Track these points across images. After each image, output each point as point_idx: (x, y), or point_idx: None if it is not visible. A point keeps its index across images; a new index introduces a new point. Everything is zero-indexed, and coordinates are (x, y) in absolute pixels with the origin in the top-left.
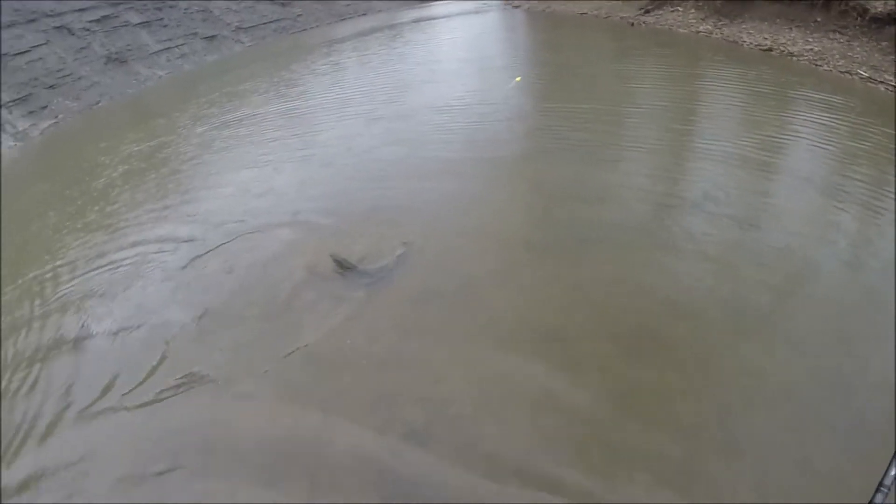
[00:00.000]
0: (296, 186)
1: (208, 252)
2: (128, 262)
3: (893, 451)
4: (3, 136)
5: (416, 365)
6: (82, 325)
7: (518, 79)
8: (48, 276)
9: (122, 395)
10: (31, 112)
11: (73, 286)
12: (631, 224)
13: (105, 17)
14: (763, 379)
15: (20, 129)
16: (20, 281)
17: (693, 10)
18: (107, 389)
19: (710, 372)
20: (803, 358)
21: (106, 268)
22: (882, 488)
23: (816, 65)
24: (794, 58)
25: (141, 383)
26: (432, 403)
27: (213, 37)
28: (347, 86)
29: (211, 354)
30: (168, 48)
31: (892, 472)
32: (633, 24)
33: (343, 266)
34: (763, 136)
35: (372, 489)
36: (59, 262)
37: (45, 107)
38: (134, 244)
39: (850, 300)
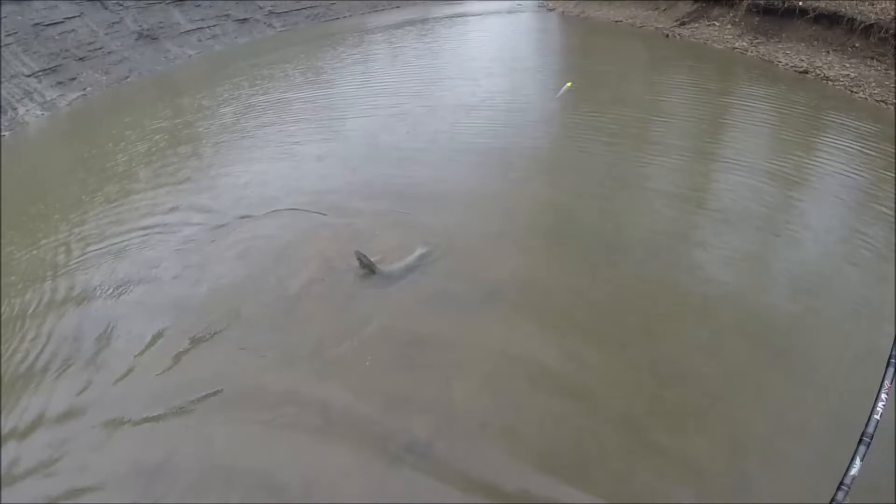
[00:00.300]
0: (317, 174)
1: (217, 234)
2: (142, 235)
3: (854, 449)
4: (31, 105)
5: (426, 372)
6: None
7: (569, 84)
8: (63, 243)
9: None
10: (59, 83)
11: (83, 258)
12: (657, 233)
13: None
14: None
15: (48, 98)
16: (39, 245)
17: (730, 26)
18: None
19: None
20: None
21: (120, 239)
22: (843, 486)
23: (852, 91)
24: (830, 82)
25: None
26: (439, 417)
27: (245, 20)
28: (376, 77)
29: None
30: (200, 28)
31: (853, 472)
32: (667, 36)
33: (365, 264)
34: (791, 158)
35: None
36: (76, 231)
37: (73, 78)
38: (152, 217)
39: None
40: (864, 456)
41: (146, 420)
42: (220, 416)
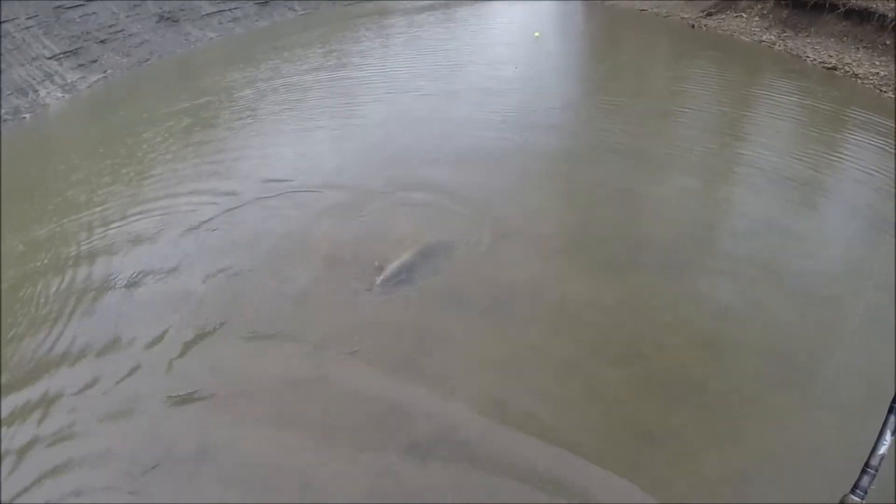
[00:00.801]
0: (334, 159)
1: (234, 214)
2: (160, 215)
3: (879, 431)
4: (53, 87)
5: (425, 382)
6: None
7: (536, 34)
8: (85, 220)
9: None
10: (80, 65)
11: (102, 236)
12: (674, 236)
13: None
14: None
15: (69, 81)
16: (63, 222)
17: (757, 18)
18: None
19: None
20: None
21: (138, 218)
22: (869, 469)
23: (881, 90)
24: (859, 80)
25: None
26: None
27: (266, 2)
28: (396, 61)
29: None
30: (221, 11)
31: (880, 451)
32: (693, 27)
33: (382, 272)
34: (817, 158)
35: None
36: (97, 209)
37: (94, 61)
38: (170, 196)
39: None
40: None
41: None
42: (219, 411)
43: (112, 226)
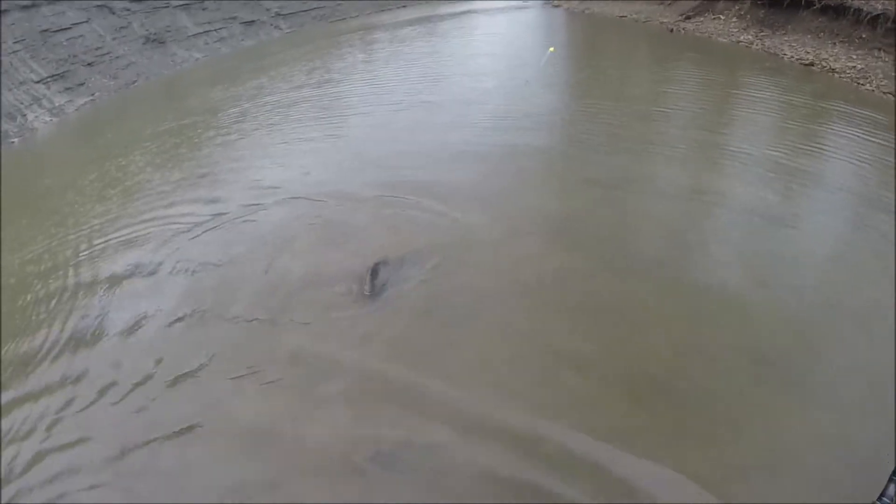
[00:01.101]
0: (317, 171)
1: (212, 226)
2: (148, 227)
3: (894, 467)
4: (41, 111)
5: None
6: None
7: (552, 49)
8: (82, 235)
9: None
10: (68, 88)
11: (94, 250)
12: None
13: None
14: None
15: (57, 104)
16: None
17: (735, 19)
18: None
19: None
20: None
21: (129, 231)
22: (885, 499)
23: (858, 83)
24: (836, 74)
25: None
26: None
27: (251, 22)
28: (379, 76)
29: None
30: (206, 31)
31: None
32: (672, 31)
33: (373, 279)
34: (797, 148)
35: None
36: (95, 222)
37: (82, 84)
38: (160, 210)
39: None
40: None
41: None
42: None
43: (101, 241)
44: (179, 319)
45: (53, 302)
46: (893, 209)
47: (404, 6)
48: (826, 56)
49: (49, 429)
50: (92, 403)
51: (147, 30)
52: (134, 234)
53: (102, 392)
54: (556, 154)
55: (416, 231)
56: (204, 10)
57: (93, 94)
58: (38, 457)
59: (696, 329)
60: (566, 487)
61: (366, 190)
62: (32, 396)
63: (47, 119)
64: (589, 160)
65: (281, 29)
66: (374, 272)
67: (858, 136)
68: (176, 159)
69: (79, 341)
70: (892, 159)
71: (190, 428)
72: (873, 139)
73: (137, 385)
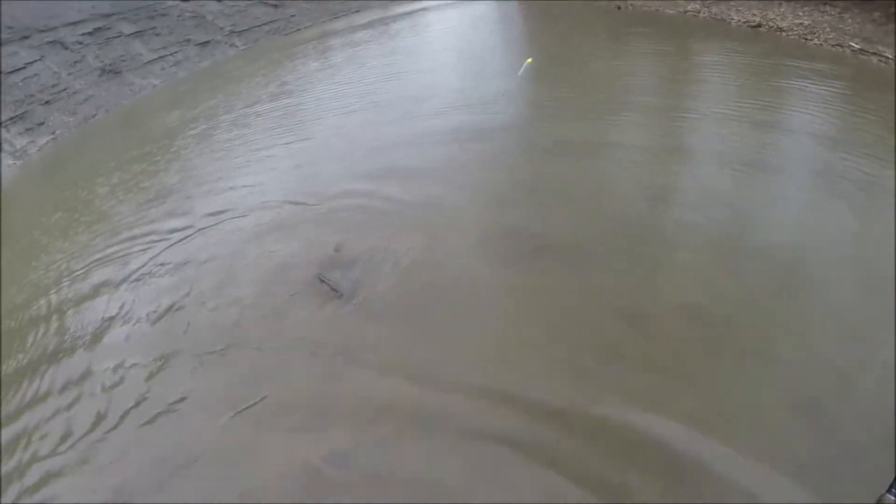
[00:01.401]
0: (276, 182)
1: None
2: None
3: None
4: (3, 155)
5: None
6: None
7: (529, 61)
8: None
9: None
10: (28, 129)
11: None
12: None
13: (98, 30)
14: None
15: (18, 147)
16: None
17: None
18: None
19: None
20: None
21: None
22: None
23: (806, 39)
24: (784, 33)
25: None
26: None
27: (206, 42)
28: (334, 82)
29: None
30: (162, 56)
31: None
32: (619, 7)
33: (328, 285)
34: (746, 102)
35: None
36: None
37: (42, 123)
38: (140, 235)
39: None
40: None
41: None
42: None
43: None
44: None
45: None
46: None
47: (357, 11)
48: (773, 16)
49: None
50: None
51: (102, 61)
52: (100, 260)
53: None
54: (516, 131)
55: (373, 226)
56: (157, 35)
57: (53, 133)
58: None
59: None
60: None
61: (321, 193)
62: None
63: (10, 163)
64: (548, 133)
65: (236, 46)
66: (324, 277)
67: (808, 87)
68: (136, 188)
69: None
70: (841, 104)
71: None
72: (822, 88)
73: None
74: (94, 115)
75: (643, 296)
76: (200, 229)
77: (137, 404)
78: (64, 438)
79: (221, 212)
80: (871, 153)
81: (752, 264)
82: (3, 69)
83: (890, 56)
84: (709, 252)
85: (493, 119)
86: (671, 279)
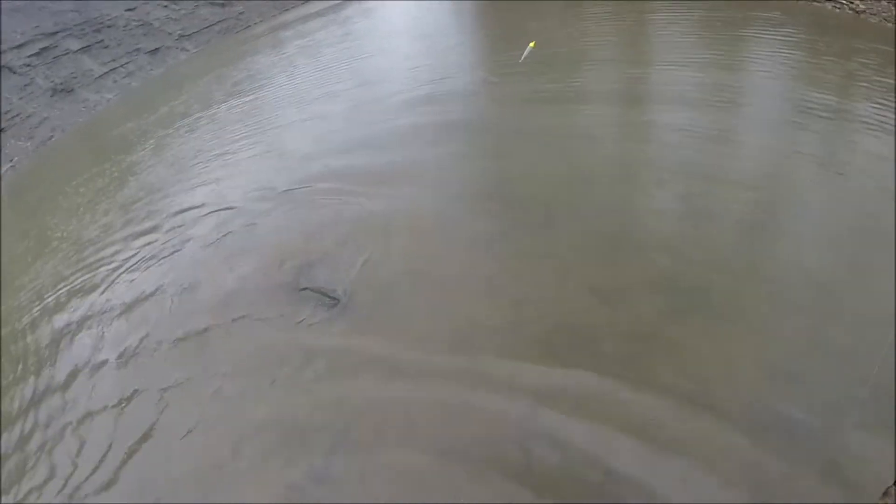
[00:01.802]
0: (230, 181)
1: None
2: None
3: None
4: None
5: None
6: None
7: (532, 44)
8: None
9: None
10: None
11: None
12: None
13: (44, 49)
14: None
15: None
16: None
17: None
18: None
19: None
20: None
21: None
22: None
23: None
24: None
25: None
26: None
27: (156, 49)
28: (288, 75)
29: None
30: (113, 69)
31: None
32: None
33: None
34: (700, 55)
35: None
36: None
37: None
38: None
39: None
40: None
41: None
42: None
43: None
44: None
45: None
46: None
47: (306, 1)
48: None
49: None
50: None
51: (52, 81)
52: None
53: None
54: (475, 107)
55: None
56: (106, 48)
57: (11, 161)
58: None
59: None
60: None
61: (280, 188)
62: None
63: None
64: (507, 111)
65: (187, 50)
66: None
67: (761, 36)
68: (97, 207)
69: None
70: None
71: None
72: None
73: None
74: (50, 137)
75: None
76: (162, 246)
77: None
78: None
79: (181, 225)
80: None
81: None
82: None
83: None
84: None
85: (446, 94)
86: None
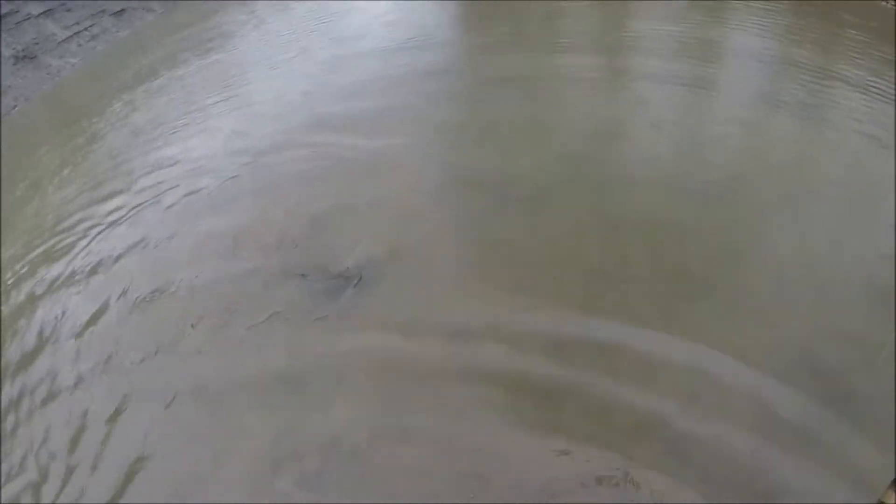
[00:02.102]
0: (215, 145)
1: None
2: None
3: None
4: None
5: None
6: None
7: None
8: None
9: None
10: None
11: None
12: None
13: (5, 15)
14: None
15: None
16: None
17: None
18: None
19: None
20: None
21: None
22: None
23: None
24: None
25: None
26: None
27: (122, 11)
28: (262, 32)
29: None
30: (77, 33)
31: None
32: None
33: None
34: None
35: None
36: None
37: None
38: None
39: None
40: None
41: None
42: None
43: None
44: None
45: None
46: None
47: None
48: None
49: None
50: None
51: (14, 49)
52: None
53: None
54: (456, 60)
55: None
56: (69, 11)
57: None
58: None
59: None
60: None
61: (263, 151)
62: None
63: None
64: (489, 63)
65: (154, 11)
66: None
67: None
68: (67, 178)
69: None
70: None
71: None
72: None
73: None
74: (14, 107)
75: None
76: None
77: None
78: None
79: (158, 190)
80: None
81: None
82: None
83: None
84: None
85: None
86: None
